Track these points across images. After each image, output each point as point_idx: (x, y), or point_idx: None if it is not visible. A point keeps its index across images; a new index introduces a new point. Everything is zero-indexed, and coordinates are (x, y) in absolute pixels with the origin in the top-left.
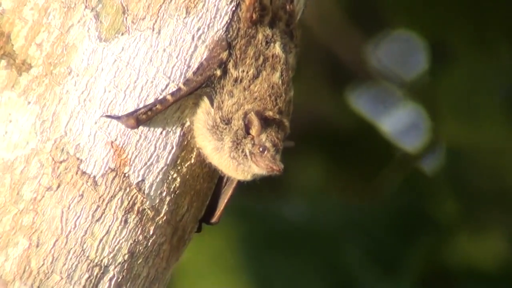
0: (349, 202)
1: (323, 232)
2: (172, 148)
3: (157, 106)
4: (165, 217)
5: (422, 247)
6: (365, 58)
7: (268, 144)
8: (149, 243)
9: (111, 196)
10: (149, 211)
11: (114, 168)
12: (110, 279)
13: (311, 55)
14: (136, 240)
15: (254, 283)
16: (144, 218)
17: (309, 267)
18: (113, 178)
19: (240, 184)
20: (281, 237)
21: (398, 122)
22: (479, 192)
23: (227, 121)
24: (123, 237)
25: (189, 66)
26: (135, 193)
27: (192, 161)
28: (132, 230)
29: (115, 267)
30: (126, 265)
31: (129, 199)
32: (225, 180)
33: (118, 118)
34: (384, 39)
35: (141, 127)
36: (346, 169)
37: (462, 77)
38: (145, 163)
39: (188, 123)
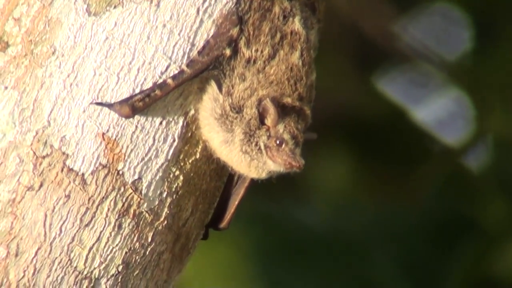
0: (379, 205)
1: (348, 240)
2: (174, 140)
3: (156, 92)
4: (165, 222)
5: (465, 257)
6: (398, 35)
7: (286, 136)
8: (147, 252)
9: (103, 197)
10: (147, 215)
11: (106, 164)
12: None
13: (335, 31)
14: (132, 248)
15: None
16: (141, 222)
17: (332, 281)
18: (105, 176)
19: (253, 184)
20: (299, 245)
21: (437, 111)
22: None
23: (238, 109)
24: (116, 245)
25: (193, 45)
26: (131, 193)
27: (197, 156)
28: (127, 237)
29: (107, 280)
30: (120, 277)
31: (123, 200)
32: (235, 178)
33: (110, 105)
34: (421, 13)
35: (137, 117)
36: (375, 166)
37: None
38: (142, 159)
39: (192, 112)
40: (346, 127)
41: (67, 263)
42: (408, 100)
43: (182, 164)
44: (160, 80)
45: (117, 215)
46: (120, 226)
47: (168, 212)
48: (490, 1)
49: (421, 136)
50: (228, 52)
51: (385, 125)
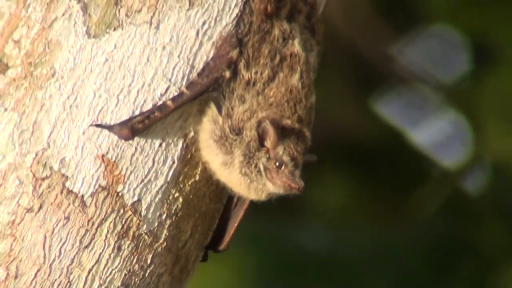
0: (377, 228)
1: (346, 263)
2: (173, 162)
3: (155, 114)
4: (165, 244)
5: (464, 281)
6: (396, 57)
7: (285, 158)
8: (147, 274)
9: (102, 219)
10: (146, 237)
11: (106, 186)
12: None
13: (333, 53)
14: (131, 270)
15: None
16: (140, 244)
17: None
18: (104, 198)
19: (253, 206)
20: (297, 267)
21: (435, 134)
22: None
23: (238, 131)
24: (116, 267)
25: (193, 67)
26: (130, 215)
27: (197, 178)
28: (126, 259)
29: None
30: None
31: (123, 222)
32: (235, 200)
33: (110, 127)
34: (418, 36)
35: (136, 138)
36: (373, 188)
37: (510, 80)
38: (142, 181)
39: (192, 134)
40: (343, 149)
41: (66, 285)
42: (406, 122)
43: (181, 186)
44: (160, 102)
45: (116, 237)
46: (119, 248)
47: (167, 234)
48: (487, 24)
49: (419, 158)
50: (227, 74)
51: (383, 148)
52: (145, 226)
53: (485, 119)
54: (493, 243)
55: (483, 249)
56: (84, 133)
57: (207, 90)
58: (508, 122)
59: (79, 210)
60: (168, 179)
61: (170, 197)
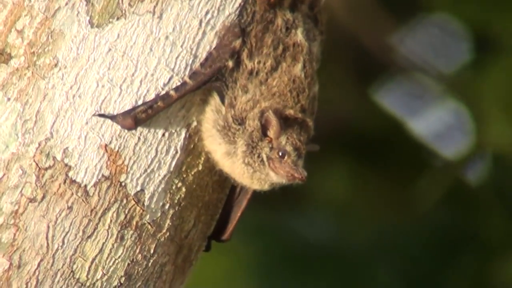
0: (379, 218)
1: (349, 252)
2: (176, 152)
3: (158, 103)
4: (168, 234)
5: (466, 269)
6: (396, 47)
7: (288, 148)
8: (150, 264)
9: (105, 209)
10: (149, 226)
11: (109, 176)
12: None
13: (333, 43)
14: (134, 260)
15: None
16: (143, 234)
17: None
18: (108, 188)
19: (255, 195)
20: (299, 257)
21: (436, 124)
22: None
23: (241, 121)
24: (119, 257)
25: (196, 56)
26: (133, 205)
27: (200, 167)
28: (129, 249)
29: None
30: None
31: (126, 212)
32: (238, 190)
33: (113, 117)
34: (419, 25)
35: (139, 128)
36: (375, 178)
37: (510, 70)
38: (145, 170)
39: (194, 123)
40: (345, 139)
41: (69, 275)
42: (407, 112)
43: (184, 175)
44: (163, 92)
45: (119, 227)
46: (122, 238)
47: (170, 223)
48: (488, 14)
49: (420, 149)
50: (230, 64)
51: (384, 138)
52: (148, 216)
53: (486, 109)
54: (494, 231)
55: (484, 237)
56: (87, 123)
57: (210, 80)
58: (509, 112)
59: (82, 200)
60: (171, 169)
61: (173, 187)
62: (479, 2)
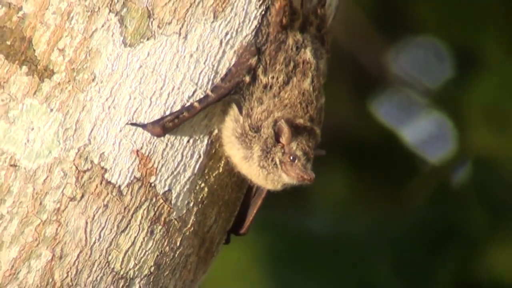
0: (375, 215)
1: (348, 245)
2: (200, 157)
3: (184, 114)
4: (192, 228)
5: (451, 260)
6: (388, 65)
7: (298, 153)
8: (176, 255)
9: (137, 207)
10: (176, 222)
11: (140, 178)
12: None
13: (333, 61)
14: (163, 251)
15: None
16: (170, 229)
17: (334, 281)
18: (139, 188)
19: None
20: (305, 249)
21: (423, 132)
22: (509, 203)
23: (257, 129)
24: (149, 249)
25: (217, 72)
26: (162, 203)
27: (220, 170)
28: (158, 242)
29: (140, 280)
30: (152, 277)
31: (155, 209)
32: (254, 190)
33: (143, 126)
34: (408, 45)
35: (167, 135)
36: (370, 180)
37: (490, 84)
38: (172, 173)
39: (216, 131)
40: (343, 145)
41: (105, 264)
42: (398, 122)
43: (207, 177)
44: (188, 104)
45: (149, 223)
46: (152, 232)
47: (194, 219)
48: (471, 34)
49: (409, 154)
50: (247, 79)
51: (378, 144)
52: (175, 213)
53: (468, 119)
54: (475, 226)
55: (467, 232)
56: (121, 130)
57: (229, 93)
58: (488, 122)
59: (117, 199)
60: (195, 171)
61: (197, 187)
62: (462, 24)
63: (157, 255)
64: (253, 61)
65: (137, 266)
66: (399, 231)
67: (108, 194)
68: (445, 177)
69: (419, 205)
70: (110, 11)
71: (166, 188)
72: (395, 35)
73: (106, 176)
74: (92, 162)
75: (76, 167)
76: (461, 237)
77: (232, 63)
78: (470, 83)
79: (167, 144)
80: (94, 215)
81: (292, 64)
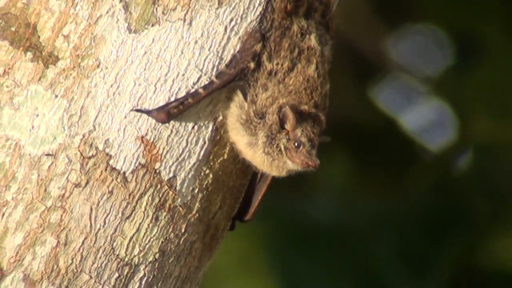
0: (377, 202)
1: (350, 231)
2: (205, 143)
3: (188, 100)
4: (197, 215)
5: (453, 247)
6: (389, 52)
7: (303, 139)
8: (181, 241)
9: (142, 193)
10: (180, 208)
11: (145, 164)
12: (141, 279)
13: (334, 49)
14: (168, 238)
15: (280, 283)
16: (175, 215)
17: (337, 267)
18: (144, 174)
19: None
20: (307, 236)
21: (423, 119)
22: (511, 190)
23: (261, 115)
24: (154, 235)
25: (221, 59)
26: (166, 189)
27: (225, 156)
28: (163, 228)
29: (145, 266)
30: (157, 264)
31: (160, 196)
32: (259, 176)
33: (148, 112)
34: (409, 32)
35: (172, 122)
36: (371, 166)
37: (491, 71)
38: (177, 159)
39: (220, 117)
40: (344, 132)
41: (110, 251)
42: (398, 110)
43: (211, 163)
44: (192, 90)
45: (154, 209)
46: (157, 219)
47: (199, 206)
48: (471, 21)
49: (411, 141)
50: (252, 65)
51: (379, 131)
52: (179, 199)
53: (468, 107)
54: (478, 215)
55: (467, 218)
56: (125, 117)
57: (234, 79)
58: (488, 109)
59: (121, 185)
60: (200, 157)
61: (202, 174)
62: (463, 11)
63: (162, 242)
64: (257, 47)
65: (142, 253)
66: (401, 218)
67: (113, 180)
68: (446, 164)
69: (421, 193)
70: None
71: (171, 175)
72: (395, 22)
73: (111, 162)
74: (97, 148)
75: (81, 154)
76: (463, 224)
77: (237, 49)
78: (471, 70)
79: (172, 131)
80: (99, 202)
81: (296, 50)
